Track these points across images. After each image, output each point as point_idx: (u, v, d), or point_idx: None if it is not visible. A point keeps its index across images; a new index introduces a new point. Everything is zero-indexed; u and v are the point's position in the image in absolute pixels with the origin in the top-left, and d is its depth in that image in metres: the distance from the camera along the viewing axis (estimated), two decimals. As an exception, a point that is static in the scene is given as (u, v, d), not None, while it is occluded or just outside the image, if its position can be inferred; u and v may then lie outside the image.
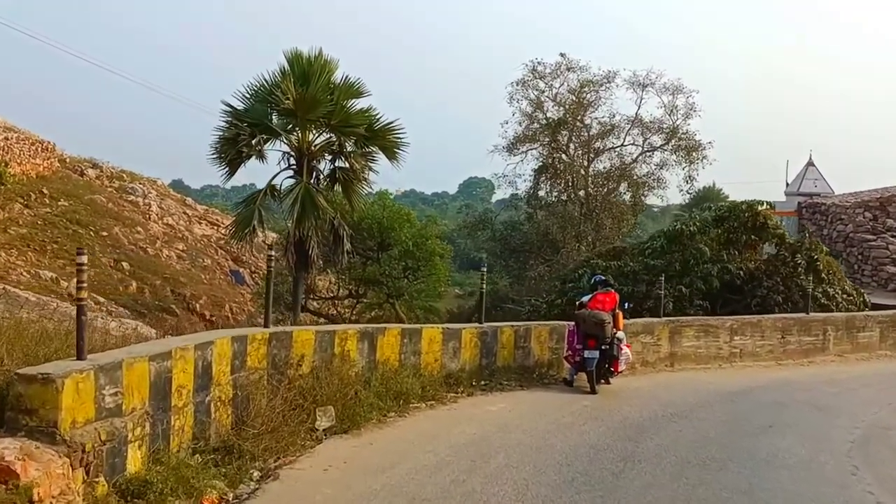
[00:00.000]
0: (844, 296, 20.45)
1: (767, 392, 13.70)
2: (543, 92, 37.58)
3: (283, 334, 10.07)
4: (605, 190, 37.14)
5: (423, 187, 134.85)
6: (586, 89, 37.48)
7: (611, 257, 22.52)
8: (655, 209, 51.82)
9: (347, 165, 20.57)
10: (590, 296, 13.86)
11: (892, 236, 37.14)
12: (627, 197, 37.83)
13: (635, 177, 37.47)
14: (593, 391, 12.99)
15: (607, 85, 37.42)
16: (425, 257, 33.90)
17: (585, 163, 37.86)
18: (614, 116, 37.97)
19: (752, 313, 19.36)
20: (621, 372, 13.60)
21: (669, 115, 37.30)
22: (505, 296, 34.62)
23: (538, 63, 37.29)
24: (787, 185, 41.43)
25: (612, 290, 13.86)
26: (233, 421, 8.84)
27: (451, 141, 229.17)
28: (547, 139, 37.54)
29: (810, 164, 40.79)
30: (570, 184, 37.52)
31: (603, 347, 13.15)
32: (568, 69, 37.23)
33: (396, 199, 42.33)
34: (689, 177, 37.42)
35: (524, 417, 11.13)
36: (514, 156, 38.11)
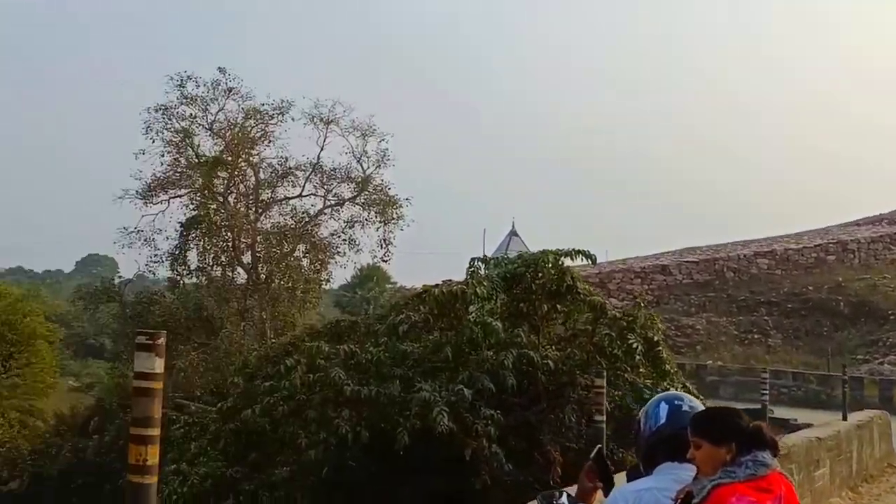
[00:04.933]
0: (690, 398, 13.72)
1: None
2: (196, 119, 28.43)
3: None
4: (280, 253, 28.51)
5: (33, 265, 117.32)
6: (252, 121, 28.99)
7: (333, 338, 14.18)
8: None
9: None
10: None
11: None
12: (306, 263, 29.42)
13: (316, 237, 29.32)
14: None
15: (280, 118, 29.20)
16: (23, 341, 27.45)
17: (251, 216, 29.12)
18: (288, 160, 29.77)
19: (554, 429, 11.84)
20: None
21: (358, 162, 29.86)
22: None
23: (188, 78, 28.19)
24: (486, 257, 35.84)
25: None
26: None
27: (68, 211, 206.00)
28: (199, 183, 28.33)
29: (514, 233, 35.81)
30: (231, 244, 28.46)
31: None
32: (229, 91, 28.46)
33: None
34: (385, 240, 29.75)
35: None
36: (153, 204, 28.42)
